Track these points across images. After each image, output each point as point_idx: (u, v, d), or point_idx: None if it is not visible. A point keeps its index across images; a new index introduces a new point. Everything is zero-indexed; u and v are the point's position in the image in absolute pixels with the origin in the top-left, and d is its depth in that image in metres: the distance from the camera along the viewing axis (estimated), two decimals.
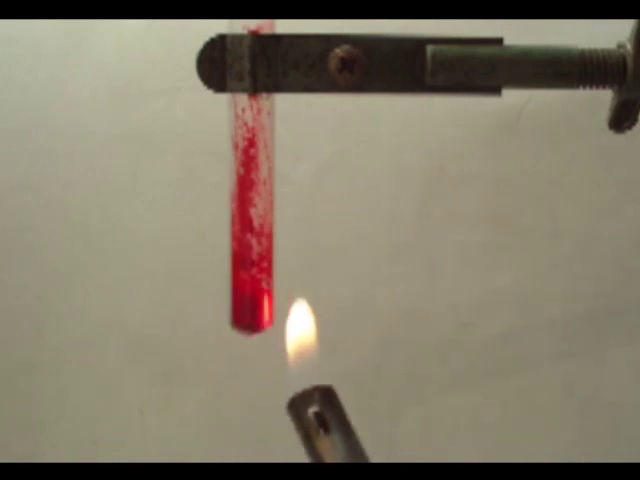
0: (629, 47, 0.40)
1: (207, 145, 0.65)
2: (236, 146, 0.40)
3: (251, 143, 0.40)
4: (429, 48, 0.39)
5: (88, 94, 0.67)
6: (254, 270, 0.41)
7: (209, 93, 0.40)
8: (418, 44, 0.40)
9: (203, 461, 0.63)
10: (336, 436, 0.37)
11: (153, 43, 0.66)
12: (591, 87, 0.40)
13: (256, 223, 0.40)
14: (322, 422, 0.37)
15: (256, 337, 0.42)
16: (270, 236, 0.41)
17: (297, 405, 0.38)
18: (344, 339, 0.67)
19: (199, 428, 0.68)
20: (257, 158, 0.40)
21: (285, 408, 0.38)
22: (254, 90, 0.39)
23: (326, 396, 0.38)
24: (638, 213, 0.66)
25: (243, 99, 0.40)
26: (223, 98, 0.40)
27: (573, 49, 0.40)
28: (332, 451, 0.37)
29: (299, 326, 0.41)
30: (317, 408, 0.37)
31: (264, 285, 0.41)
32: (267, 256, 0.41)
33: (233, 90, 0.39)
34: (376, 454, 0.68)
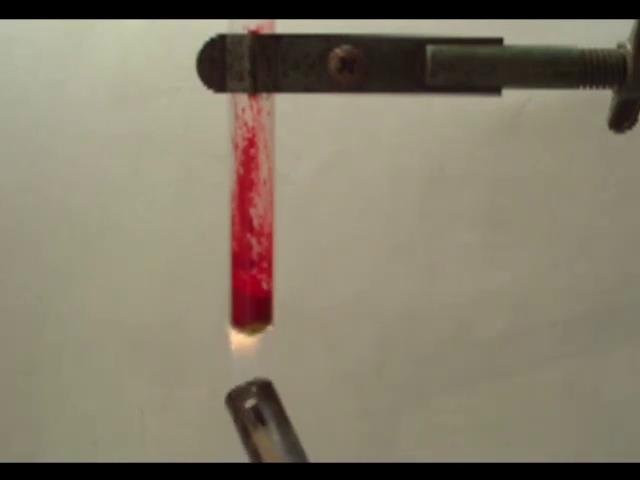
0: (629, 47, 0.40)
1: (207, 145, 0.65)
2: (236, 146, 0.40)
3: (251, 143, 0.40)
4: (429, 48, 0.39)
5: (88, 94, 0.67)
6: (254, 270, 0.41)
7: (209, 93, 0.40)
8: (418, 44, 0.40)
9: (203, 461, 0.63)
10: (272, 429, 0.38)
11: (153, 43, 0.66)
12: (591, 87, 0.40)
13: (256, 223, 0.41)
14: (259, 416, 0.38)
15: (256, 337, 0.42)
16: (270, 236, 0.41)
17: (234, 399, 0.38)
18: (344, 339, 0.67)
19: (199, 428, 0.68)
20: (257, 158, 0.40)
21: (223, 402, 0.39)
22: (254, 90, 0.39)
23: (264, 390, 0.38)
24: (638, 213, 0.66)
25: (243, 99, 0.40)
26: (223, 98, 0.40)
27: (573, 49, 0.40)
28: (268, 444, 0.38)
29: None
30: (254, 402, 0.38)
31: (264, 285, 0.41)
32: (267, 256, 0.41)
33: (233, 90, 0.40)
34: (376, 454, 0.68)
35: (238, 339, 0.41)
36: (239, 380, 0.39)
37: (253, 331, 0.42)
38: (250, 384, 0.38)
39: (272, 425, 0.38)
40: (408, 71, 0.40)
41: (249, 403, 0.38)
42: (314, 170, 0.66)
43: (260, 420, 0.38)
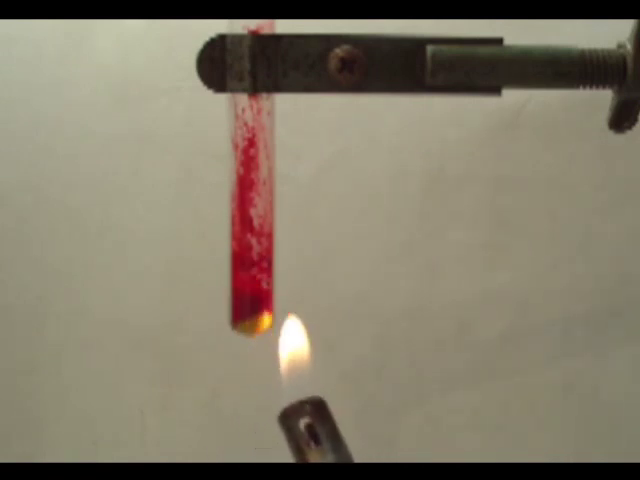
0: (629, 47, 0.40)
1: (207, 145, 0.65)
2: (236, 146, 0.40)
3: (251, 143, 0.40)
4: (429, 48, 0.39)
5: (88, 94, 0.67)
6: (254, 270, 0.41)
7: (209, 93, 0.40)
8: (418, 44, 0.40)
9: (203, 461, 0.63)
10: (327, 448, 0.38)
11: (153, 43, 0.66)
12: (591, 87, 0.40)
13: (256, 223, 0.41)
14: (313, 434, 0.38)
15: (256, 337, 0.42)
16: (270, 236, 0.41)
17: (288, 417, 0.38)
18: (344, 339, 0.67)
19: (199, 428, 0.68)
20: (257, 158, 0.40)
21: (277, 421, 0.38)
22: (254, 90, 0.39)
23: (317, 408, 0.38)
24: (638, 213, 0.66)
25: (243, 99, 0.40)
26: (223, 98, 0.40)
27: (573, 49, 0.40)
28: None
29: (292, 340, 0.42)
30: (308, 420, 0.38)
31: (264, 285, 0.41)
32: (267, 256, 0.41)
33: (233, 90, 0.40)
34: (376, 454, 0.68)
35: (289, 358, 0.41)
36: (289, 399, 0.38)
37: (253, 331, 0.42)
38: (304, 402, 0.38)
39: (326, 444, 0.38)
40: (408, 71, 0.40)
41: (303, 422, 0.38)
42: (314, 170, 0.66)
43: (314, 439, 0.38)
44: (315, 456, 0.37)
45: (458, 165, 0.66)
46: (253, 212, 0.40)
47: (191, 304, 0.67)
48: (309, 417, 0.38)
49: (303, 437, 0.38)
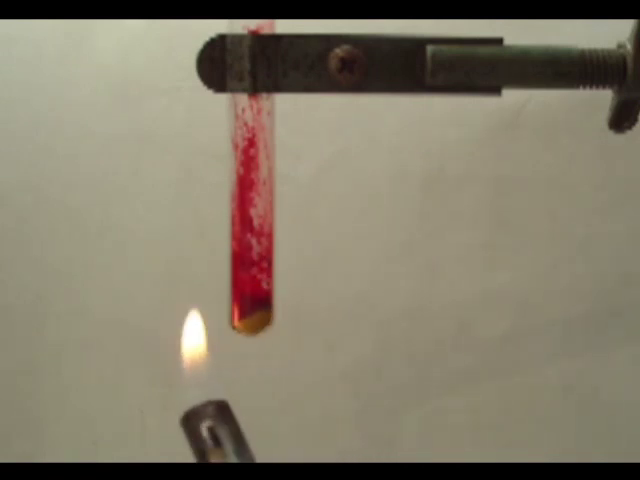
0: (629, 47, 0.40)
1: (207, 145, 0.65)
2: (236, 146, 0.40)
3: (251, 143, 0.40)
4: (429, 48, 0.39)
5: (88, 94, 0.67)
6: (254, 270, 0.41)
7: (209, 93, 0.40)
8: (418, 44, 0.40)
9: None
10: (229, 451, 0.37)
11: (153, 43, 0.66)
12: (591, 87, 0.40)
13: (256, 223, 0.41)
14: (215, 437, 0.37)
15: (256, 337, 0.42)
16: (270, 236, 0.41)
17: (190, 420, 0.38)
18: (344, 339, 0.67)
19: None
20: (257, 158, 0.40)
21: (179, 423, 0.38)
22: (254, 90, 0.39)
23: (220, 411, 0.38)
24: (638, 213, 0.66)
25: (243, 99, 0.40)
26: (223, 98, 0.40)
27: (573, 49, 0.40)
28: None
29: (192, 338, 0.42)
30: (211, 423, 0.38)
31: (264, 285, 0.41)
32: (267, 256, 0.41)
33: (233, 90, 0.40)
34: (376, 454, 0.68)
35: (192, 354, 0.41)
36: (193, 400, 0.38)
37: (253, 331, 0.42)
38: (206, 405, 0.38)
39: (228, 446, 0.37)
40: (408, 71, 0.40)
41: (205, 424, 0.38)
42: (314, 170, 0.66)
43: (216, 441, 0.37)
44: (217, 458, 0.37)
45: (458, 165, 0.66)
46: (253, 212, 0.40)
47: (191, 304, 0.67)
48: (211, 419, 0.38)
49: (205, 440, 0.38)
